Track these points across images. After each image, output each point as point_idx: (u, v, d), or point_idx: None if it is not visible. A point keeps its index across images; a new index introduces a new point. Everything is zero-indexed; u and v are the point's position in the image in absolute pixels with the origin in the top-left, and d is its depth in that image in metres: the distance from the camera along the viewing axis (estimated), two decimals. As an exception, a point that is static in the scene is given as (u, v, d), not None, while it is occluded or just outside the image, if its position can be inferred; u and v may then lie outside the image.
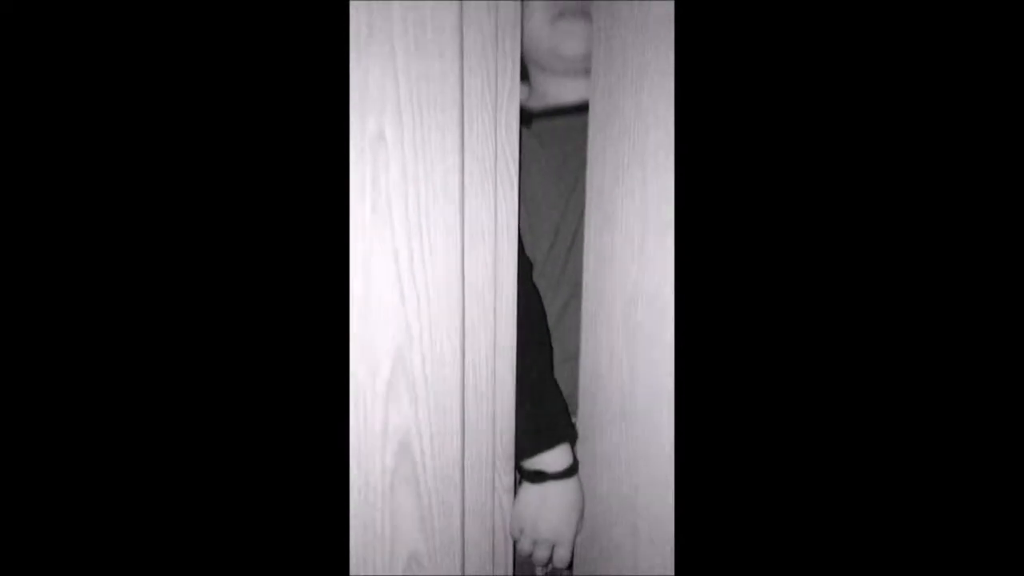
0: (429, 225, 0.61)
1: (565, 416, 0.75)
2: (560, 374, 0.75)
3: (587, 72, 0.69)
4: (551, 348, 0.75)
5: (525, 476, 0.73)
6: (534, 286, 0.75)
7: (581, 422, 0.76)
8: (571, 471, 0.73)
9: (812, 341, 0.29)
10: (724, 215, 0.32)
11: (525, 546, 0.74)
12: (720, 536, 0.32)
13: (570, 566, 0.77)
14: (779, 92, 0.28)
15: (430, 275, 0.62)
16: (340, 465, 0.35)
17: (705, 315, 0.32)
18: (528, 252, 0.75)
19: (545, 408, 0.73)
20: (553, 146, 0.76)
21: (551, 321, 0.77)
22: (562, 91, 0.79)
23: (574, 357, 0.77)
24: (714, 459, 0.33)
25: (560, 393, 0.75)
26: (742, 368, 0.32)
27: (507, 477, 0.73)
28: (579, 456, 0.74)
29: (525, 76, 0.81)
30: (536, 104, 0.81)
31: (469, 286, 0.65)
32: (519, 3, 0.61)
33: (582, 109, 0.72)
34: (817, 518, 0.30)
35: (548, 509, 0.71)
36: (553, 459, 0.72)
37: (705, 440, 0.33)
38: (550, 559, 0.75)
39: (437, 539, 0.68)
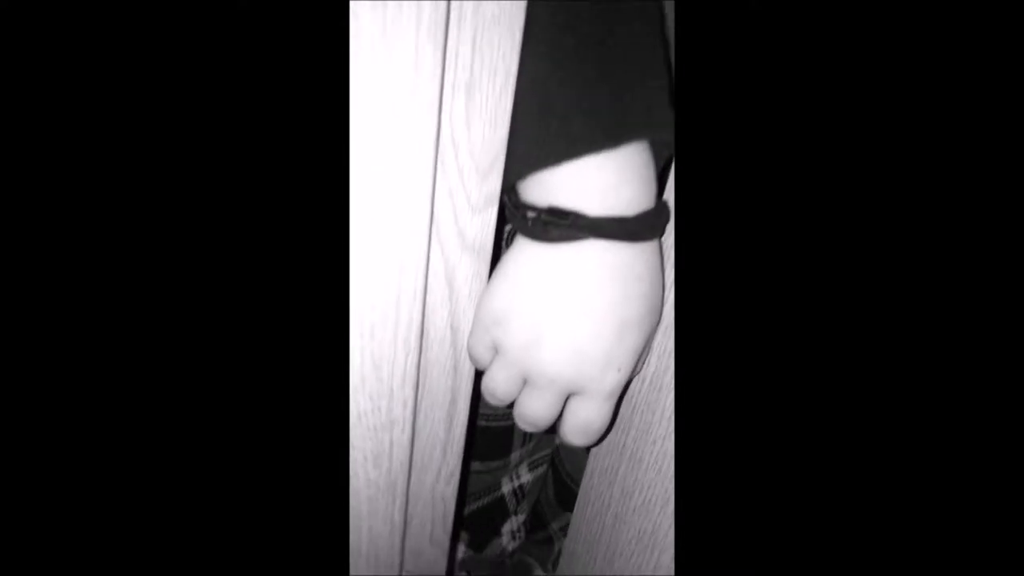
0: None
1: (651, 71, 0.29)
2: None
3: None
4: None
5: (526, 226, 0.31)
6: None
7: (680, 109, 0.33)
8: (646, 224, 0.30)
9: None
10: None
11: (499, 386, 0.33)
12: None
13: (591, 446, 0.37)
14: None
15: None
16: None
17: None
18: None
19: (610, 49, 0.28)
20: None
21: None
22: None
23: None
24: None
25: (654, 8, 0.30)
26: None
27: (477, 218, 0.31)
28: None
29: None
30: None
31: None
32: None
33: None
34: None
35: (570, 304, 0.30)
36: (603, 181, 0.29)
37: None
38: (553, 424, 0.33)
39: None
